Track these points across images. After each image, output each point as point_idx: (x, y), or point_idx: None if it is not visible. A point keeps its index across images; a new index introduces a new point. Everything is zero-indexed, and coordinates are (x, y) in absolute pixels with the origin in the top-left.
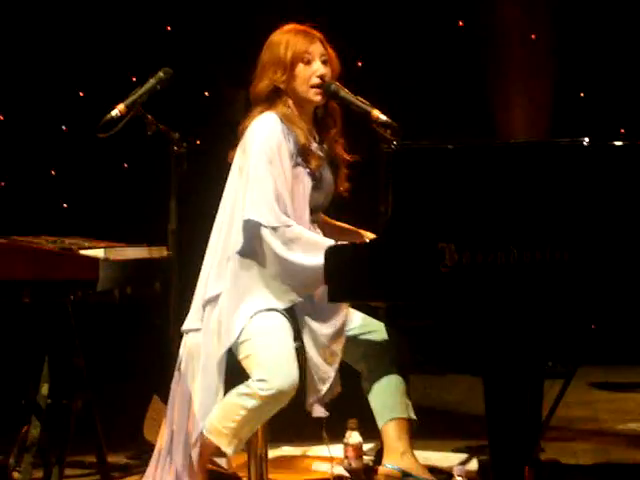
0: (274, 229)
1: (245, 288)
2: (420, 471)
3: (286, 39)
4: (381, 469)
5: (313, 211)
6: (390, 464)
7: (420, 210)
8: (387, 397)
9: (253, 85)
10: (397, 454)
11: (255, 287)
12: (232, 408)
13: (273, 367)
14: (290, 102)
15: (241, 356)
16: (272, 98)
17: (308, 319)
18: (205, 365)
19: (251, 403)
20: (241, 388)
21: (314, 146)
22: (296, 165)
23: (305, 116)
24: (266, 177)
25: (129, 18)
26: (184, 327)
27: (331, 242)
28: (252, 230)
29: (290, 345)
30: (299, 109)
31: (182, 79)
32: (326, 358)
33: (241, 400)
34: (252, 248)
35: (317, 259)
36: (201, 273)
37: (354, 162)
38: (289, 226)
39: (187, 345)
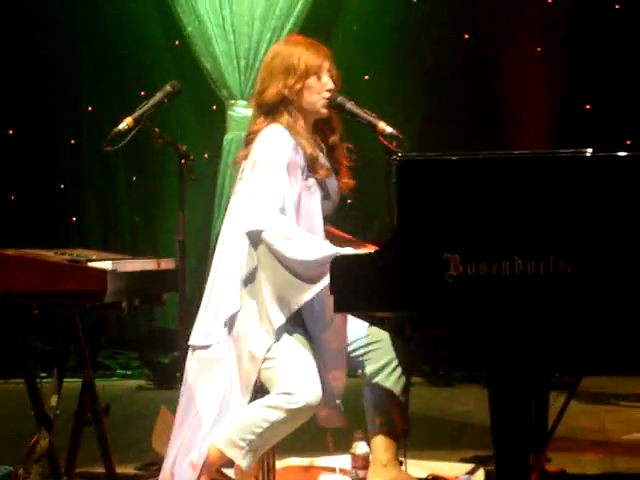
0: (272, 230)
1: (260, 302)
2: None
3: (299, 50)
4: None
5: (324, 221)
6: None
7: (425, 221)
8: (380, 408)
9: (260, 91)
10: (380, 466)
11: (269, 298)
12: (253, 420)
13: (299, 380)
14: (295, 112)
15: (262, 367)
16: (277, 107)
17: (318, 333)
18: (223, 380)
19: (275, 415)
20: (265, 400)
21: (321, 156)
22: (307, 177)
23: (307, 126)
24: (271, 188)
25: (138, 31)
26: (192, 342)
27: (329, 245)
28: (255, 240)
29: (312, 360)
30: (302, 119)
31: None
32: (334, 377)
33: (264, 412)
34: (258, 258)
35: (318, 252)
36: (209, 289)
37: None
38: (286, 224)
39: (197, 357)
